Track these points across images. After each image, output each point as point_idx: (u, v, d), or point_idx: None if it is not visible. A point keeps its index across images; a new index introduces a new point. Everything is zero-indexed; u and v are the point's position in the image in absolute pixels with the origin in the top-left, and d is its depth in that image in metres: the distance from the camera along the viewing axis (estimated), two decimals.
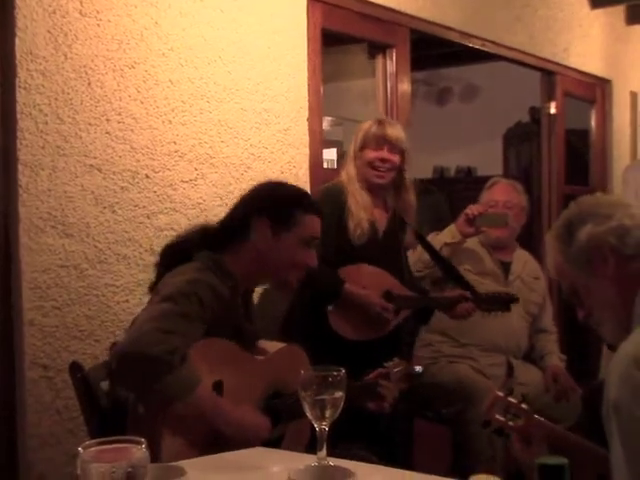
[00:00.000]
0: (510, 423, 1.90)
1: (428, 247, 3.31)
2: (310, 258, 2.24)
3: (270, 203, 2.21)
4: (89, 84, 2.62)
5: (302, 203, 2.24)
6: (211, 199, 3.00)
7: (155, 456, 1.82)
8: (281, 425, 2.16)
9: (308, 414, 1.48)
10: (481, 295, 3.24)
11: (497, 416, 1.92)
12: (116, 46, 2.69)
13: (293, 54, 3.35)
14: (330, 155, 5.94)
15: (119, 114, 2.71)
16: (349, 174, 3.07)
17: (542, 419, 1.91)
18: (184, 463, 1.62)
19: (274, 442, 2.09)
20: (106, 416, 2.06)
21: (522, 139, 6.79)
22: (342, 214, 3.00)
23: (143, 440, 0.99)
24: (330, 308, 2.93)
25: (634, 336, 1.51)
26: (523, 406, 1.91)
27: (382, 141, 3.05)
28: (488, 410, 1.94)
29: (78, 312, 2.59)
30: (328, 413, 1.46)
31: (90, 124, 2.63)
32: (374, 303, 2.95)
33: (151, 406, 1.90)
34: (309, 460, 1.49)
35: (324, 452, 1.48)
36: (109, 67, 2.67)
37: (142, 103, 2.77)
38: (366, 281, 3.00)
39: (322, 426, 1.48)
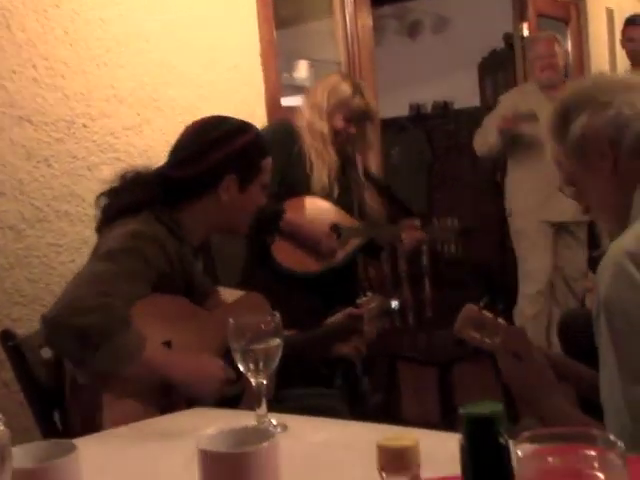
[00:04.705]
0: (487, 340, 1.68)
1: (374, 181, 3.15)
2: (263, 199, 2.07)
3: (237, 159, 1.97)
4: (9, 28, 2.40)
5: (262, 149, 2.03)
6: (159, 145, 2.78)
7: (97, 425, 1.66)
8: (240, 382, 1.99)
9: (241, 368, 1.30)
10: (432, 223, 3.08)
11: (472, 333, 1.69)
12: None
13: None
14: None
15: (46, 59, 2.49)
16: (322, 132, 2.86)
17: (519, 333, 1.70)
18: (113, 431, 1.46)
19: (234, 400, 1.92)
20: (44, 387, 1.88)
21: (497, 67, 6.60)
22: (292, 152, 2.84)
23: (0, 416, 0.80)
24: (269, 241, 2.80)
25: (628, 232, 1.37)
26: (499, 321, 1.70)
27: (359, 116, 2.89)
28: (461, 327, 1.69)
29: (18, 276, 2.40)
30: (264, 365, 1.29)
31: (14, 72, 2.41)
32: (316, 231, 2.83)
33: (92, 375, 1.72)
34: (248, 418, 1.32)
35: (264, 409, 1.31)
36: (30, 8, 2.45)
37: (71, 46, 2.55)
38: (311, 213, 2.87)
39: (259, 380, 1.30)
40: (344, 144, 2.93)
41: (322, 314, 2.30)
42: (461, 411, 0.61)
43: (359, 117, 2.89)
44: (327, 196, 2.90)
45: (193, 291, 1.97)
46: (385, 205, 3.23)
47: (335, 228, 2.89)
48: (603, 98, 1.47)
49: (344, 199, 2.96)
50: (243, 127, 2.01)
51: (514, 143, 4.02)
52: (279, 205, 2.79)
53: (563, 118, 1.51)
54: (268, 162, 2.03)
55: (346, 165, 2.98)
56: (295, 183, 2.84)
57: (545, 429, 0.70)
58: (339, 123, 2.88)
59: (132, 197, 1.92)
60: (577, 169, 1.51)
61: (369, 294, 2.29)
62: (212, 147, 1.93)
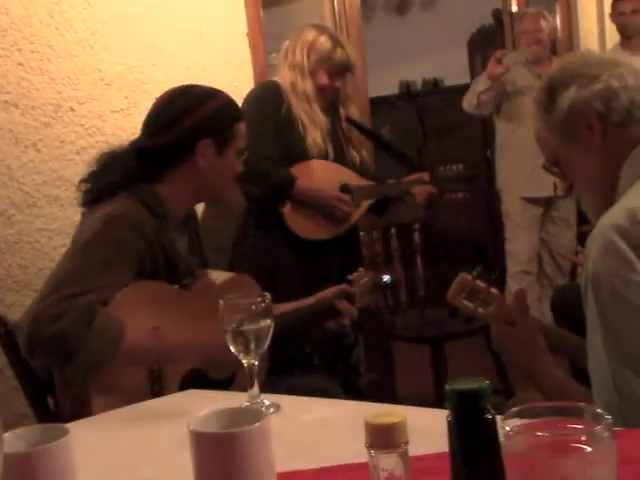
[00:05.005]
0: (480, 310, 1.68)
1: (367, 133, 3.12)
2: (240, 166, 2.05)
3: (210, 122, 1.95)
4: None
5: (235, 113, 2.03)
6: None
7: (87, 410, 1.65)
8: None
9: (232, 348, 1.30)
10: (438, 172, 3.08)
11: (465, 301, 1.69)
12: None
13: None
14: None
15: (32, 42, 2.47)
16: (306, 92, 2.82)
17: (519, 294, 1.70)
18: (106, 415, 1.46)
19: (226, 382, 1.92)
20: (37, 372, 1.88)
21: (486, 44, 6.53)
22: (281, 110, 2.80)
23: None
24: (283, 208, 2.76)
25: (616, 206, 1.36)
26: (493, 290, 1.70)
27: (342, 70, 2.83)
28: (454, 294, 1.68)
29: (10, 262, 2.40)
30: (255, 346, 1.29)
31: None
32: (329, 197, 2.79)
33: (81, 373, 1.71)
34: (241, 399, 1.32)
35: (256, 389, 1.32)
36: None
37: (57, 29, 2.53)
38: (320, 176, 2.83)
39: (250, 361, 1.30)
40: (330, 100, 2.88)
41: (321, 282, 2.29)
42: (447, 387, 0.61)
43: (342, 70, 2.83)
44: (324, 158, 2.85)
45: (176, 269, 1.94)
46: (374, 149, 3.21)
47: (346, 189, 2.85)
48: (591, 72, 1.47)
49: (340, 158, 2.92)
50: (212, 92, 2.01)
51: (502, 100, 4.10)
52: (289, 173, 2.75)
53: (550, 92, 1.51)
54: (241, 127, 2.00)
55: (334, 120, 2.93)
56: (292, 148, 2.79)
57: (532, 404, 0.70)
58: (323, 80, 2.82)
59: (110, 178, 1.90)
60: (563, 144, 1.50)
61: (361, 269, 2.29)
62: (183, 113, 1.92)
